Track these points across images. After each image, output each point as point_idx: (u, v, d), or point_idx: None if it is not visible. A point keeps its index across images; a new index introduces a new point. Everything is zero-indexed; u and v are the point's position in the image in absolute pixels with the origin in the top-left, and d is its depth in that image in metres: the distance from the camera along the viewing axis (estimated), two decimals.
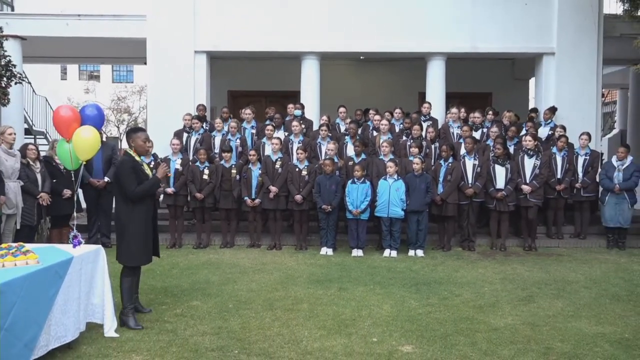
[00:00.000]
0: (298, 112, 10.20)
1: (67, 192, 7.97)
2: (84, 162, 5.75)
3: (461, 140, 9.17)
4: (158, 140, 10.04)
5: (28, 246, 4.47)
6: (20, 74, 10.09)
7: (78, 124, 5.41)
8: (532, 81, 14.85)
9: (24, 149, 7.68)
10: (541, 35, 11.29)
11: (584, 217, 9.47)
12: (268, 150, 9.13)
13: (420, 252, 8.33)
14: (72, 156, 5.44)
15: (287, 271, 7.23)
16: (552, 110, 10.47)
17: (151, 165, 8.57)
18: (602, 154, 10.21)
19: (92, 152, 5.47)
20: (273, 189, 8.64)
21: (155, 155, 9.20)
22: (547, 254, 8.53)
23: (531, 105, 13.96)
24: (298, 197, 8.59)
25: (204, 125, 10.13)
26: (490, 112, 10.30)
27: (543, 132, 10.19)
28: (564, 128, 9.82)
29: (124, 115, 30.97)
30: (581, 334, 4.86)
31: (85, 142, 5.28)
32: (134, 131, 5.23)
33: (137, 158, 5.13)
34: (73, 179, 6.47)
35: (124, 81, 33.60)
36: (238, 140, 9.65)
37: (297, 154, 8.86)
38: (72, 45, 12.81)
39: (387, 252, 8.33)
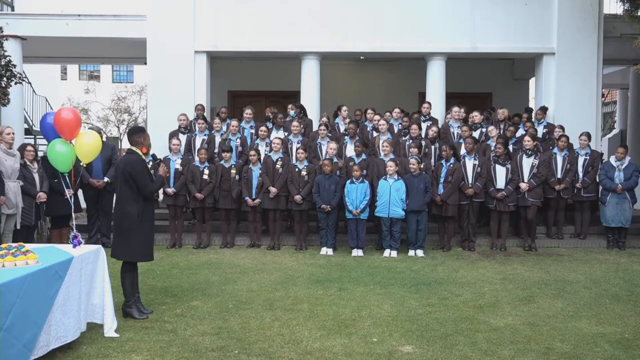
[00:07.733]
0: (292, 113, 10.22)
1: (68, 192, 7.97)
2: (85, 165, 5.80)
3: (461, 141, 9.18)
4: (158, 141, 10.03)
5: (28, 246, 4.47)
6: (20, 74, 10.08)
7: (80, 127, 5.50)
8: (532, 81, 14.87)
9: (22, 149, 7.67)
10: (541, 35, 11.30)
11: (584, 217, 9.47)
12: (262, 151, 9.15)
13: (420, 252, 8.33)
14: (65, 159, 5.48)
15: (287, 271, 7.23)
16: (544, 109, 10.48)
17: (150, 165, 8.59)
18: (602, 154, 10.19)
19: (94, 155, 5.69)
20: (273, 190, 8.64)
21: (154, 156, 9.19)
22: (547, 254, 8.53)
23: (531, 106, 13.97)
24: (297, 198, 8.59)
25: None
26: (486, 113, 10.31)
27: (538, 131, 10.17)
28: (562, 128, 9.81)
29: (124, 115, 30.99)
30: (581, 334, 4.86)
31: (87, 147, 5.35)
32: (143, 130, 5.50)
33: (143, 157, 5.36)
34: (68, 180, 6.47)
35: (124, 81, 33.64)
36: (238, 140, 9.65)
37: (297, 154, 8.86)
38: (72, 45, 12.81)
39: (387, 252, 8.33)
